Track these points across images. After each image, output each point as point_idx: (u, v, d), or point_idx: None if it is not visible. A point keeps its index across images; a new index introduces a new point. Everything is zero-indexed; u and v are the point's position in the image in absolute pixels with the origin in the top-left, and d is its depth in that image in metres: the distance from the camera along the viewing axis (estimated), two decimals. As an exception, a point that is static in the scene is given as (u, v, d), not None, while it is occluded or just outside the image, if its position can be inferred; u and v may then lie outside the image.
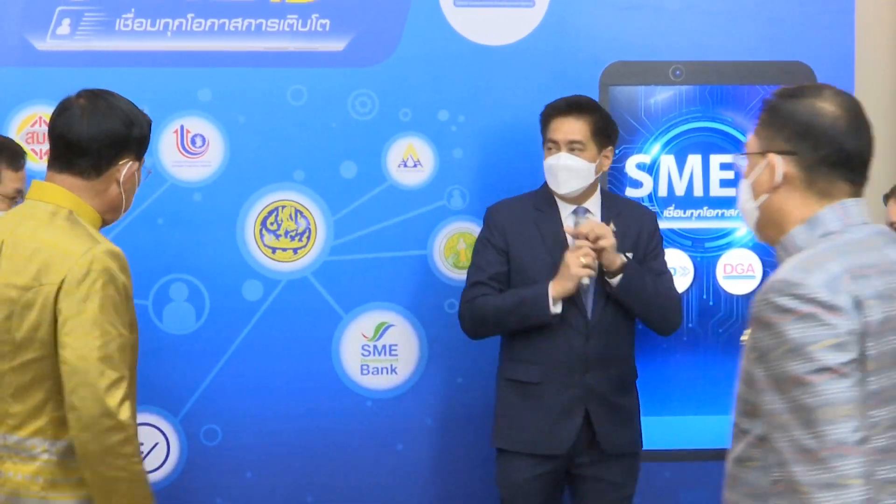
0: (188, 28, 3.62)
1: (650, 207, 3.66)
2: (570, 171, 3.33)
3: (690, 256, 3.77)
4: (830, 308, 1.78)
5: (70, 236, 2.45)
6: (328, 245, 3.69)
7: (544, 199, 3.40)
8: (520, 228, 3.39)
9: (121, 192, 2.55)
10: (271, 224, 3.67)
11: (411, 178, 3.71)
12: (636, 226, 3.41)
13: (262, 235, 3.67)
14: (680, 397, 3.75)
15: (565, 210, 3.39)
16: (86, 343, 2.36)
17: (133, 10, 3.60)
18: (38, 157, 3.52)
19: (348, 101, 3.68)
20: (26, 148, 3.40)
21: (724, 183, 3.75)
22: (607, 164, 3.42)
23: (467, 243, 3.72)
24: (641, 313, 3.37)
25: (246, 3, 3.64)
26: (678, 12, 3.77)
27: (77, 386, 2.36)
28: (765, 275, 3.67)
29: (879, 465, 1.79)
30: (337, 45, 3.67)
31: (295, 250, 3.68)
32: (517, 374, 3.37)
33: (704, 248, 3.78)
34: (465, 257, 3.70)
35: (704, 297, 3.79)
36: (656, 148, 3.77)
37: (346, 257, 3.69)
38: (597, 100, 3.52)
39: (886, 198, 3.54)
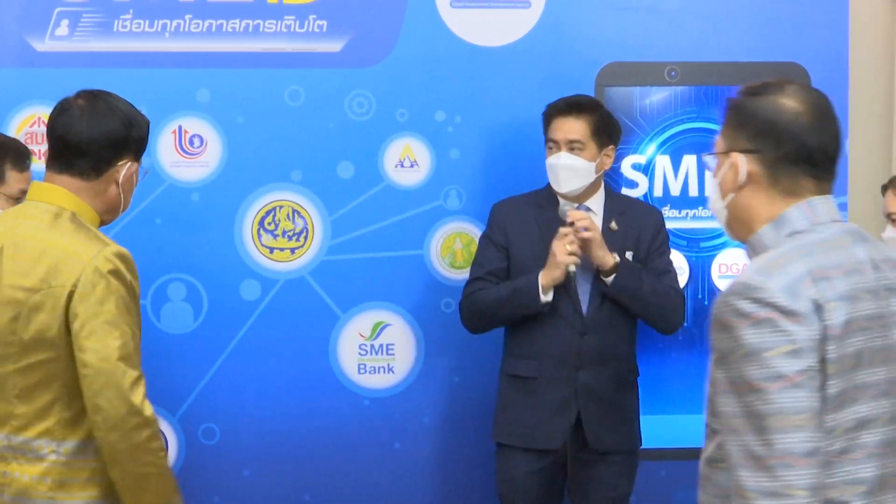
0: (186, 29, 3.63)
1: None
2: (570, 170, 3.35)
3: (686, 256, 3.79)
4: (788, 314, 1.76)
5: (78, 238, 2.45)
6: (325, 245, 3.70)
7: (547, 198, 3.43)
8: (520, 226, 3.42)
9: (120, 193, 2.55)
10: (269, 224, 3.68)
11: (408, 179, 3.72)
12: (639, 225, 3.43)
13: (259, 235, 3.68)
14: (674, 396, 3.77)
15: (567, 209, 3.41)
16: (106, 344, 2.38)
17: (131, 11, 3.61)
18: (37, 157, 3.52)
19: (345, 101, 3.69)
20: (26, 148, 3.41)
21: (720, 183, 3.77)
22: (609, 162, 3.43)
23: (463, 243, 3.73)
24: (639, 312, 3.39)
25: (243, 4, 3.65)
26: (674, 13, 3.79)
27: (102, 387, 2.37)
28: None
29: (838, 467, 1.78)
30: (334, 46, 3.68)
31: (292, 250, 3.70)
32: (516, 369, 3.40)
33: (699, 248, 3.81)
34: (462, 257, 3.72)
35: (700, 296, 3.81)
36: (652, 148, 3.79)
37: (344, 257, 3.71)
38: (595, 100, 3.55)
39: (884, 188, 3.55)
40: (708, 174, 3.75)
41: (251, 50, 3.65)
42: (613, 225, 3.40)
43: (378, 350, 3.73)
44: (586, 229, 3.26)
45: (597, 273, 3.33)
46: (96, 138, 2.49)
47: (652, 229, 3.45)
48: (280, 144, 3.67)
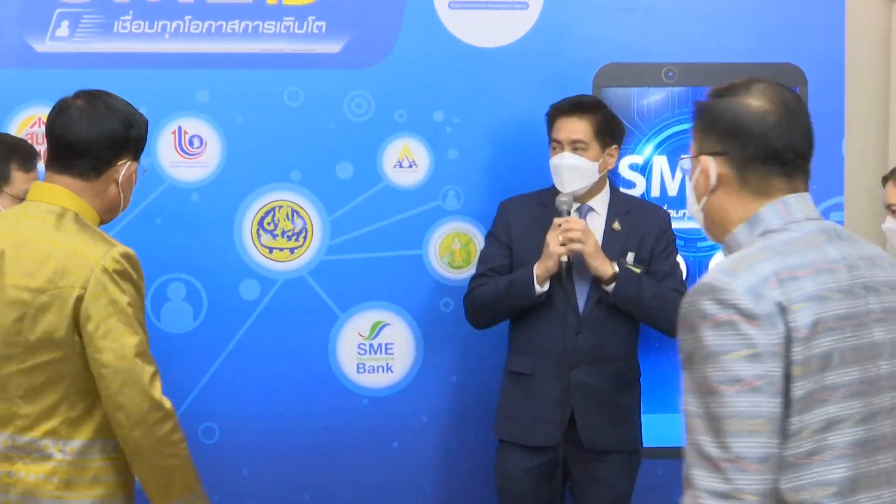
0: (186, 30, 3.65)
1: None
2: (573, 170, 3.36)
3: (683, 256, 3.80)
4: (750, 317, 1.74)
5: (83, 239, 2.46)
6: (324, 245, 3.71)
7: (551, 197, 3.43)
8: (524, 224, 3.44)
9: (119, 192, 2.56)
10: (268, 224, 3.70)
11: (407, 179, 3.74)
12: (643, 225, 3.44)
13: (259, 235, 3.70)
14: (672, 395, 3.77)
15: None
16: (123, 343, 2.41)
17: (131, 12, 3.63)
18: (38, 157, 3.54)
19: (344, 102, 3.70)
20: (27, 149, 3.42)
21: (717, 183, 3.78)
22: (612, 162, 3.45)
23: (462, 243, 3.75)
24: (642, 318, 3.41)
25: (243, 5, 3.66)
26: (671, 15, 3.80)
27: (122, 386, 2.39)
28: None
29: (807, 469, 1.77)
30: (333, 46, 3.70)
31: (292, 250, 3.71)
32: (516, 365, 3.43)
33: (696, 248, 3.82)
34: (460, 257, 3.73)
35: (697, 296, 3.81)
36: (649, 149, 3.80)
37: (343, 257, 3.72)
38: (595, 100, 3.55)
39: (885, 179, 3.55)
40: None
41: (250, 51, 3.67)
42: (616, 225, 3.42)
43: (377, 349, 3.74)
44: (579, 241, 3.28)
45: (596, 277, 3.35)
46: (95, 138, 2.50)
47: (657, 230, 3.45)
48: (279, 145, 3.68)
